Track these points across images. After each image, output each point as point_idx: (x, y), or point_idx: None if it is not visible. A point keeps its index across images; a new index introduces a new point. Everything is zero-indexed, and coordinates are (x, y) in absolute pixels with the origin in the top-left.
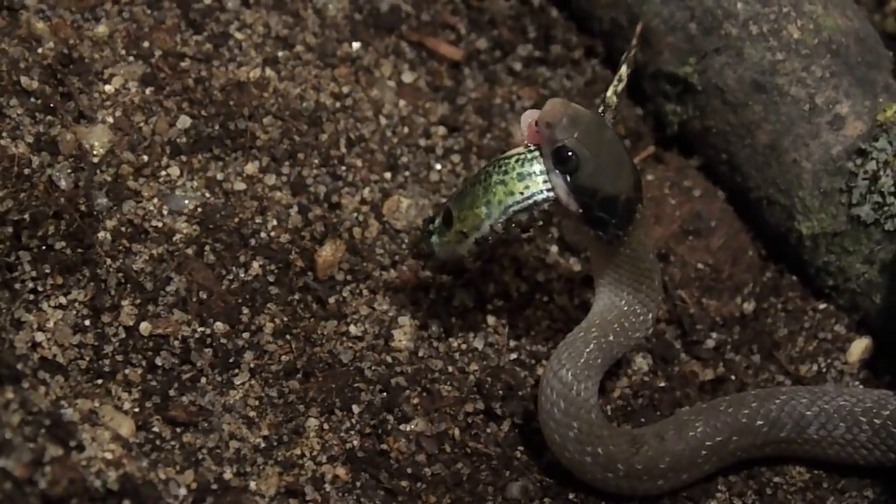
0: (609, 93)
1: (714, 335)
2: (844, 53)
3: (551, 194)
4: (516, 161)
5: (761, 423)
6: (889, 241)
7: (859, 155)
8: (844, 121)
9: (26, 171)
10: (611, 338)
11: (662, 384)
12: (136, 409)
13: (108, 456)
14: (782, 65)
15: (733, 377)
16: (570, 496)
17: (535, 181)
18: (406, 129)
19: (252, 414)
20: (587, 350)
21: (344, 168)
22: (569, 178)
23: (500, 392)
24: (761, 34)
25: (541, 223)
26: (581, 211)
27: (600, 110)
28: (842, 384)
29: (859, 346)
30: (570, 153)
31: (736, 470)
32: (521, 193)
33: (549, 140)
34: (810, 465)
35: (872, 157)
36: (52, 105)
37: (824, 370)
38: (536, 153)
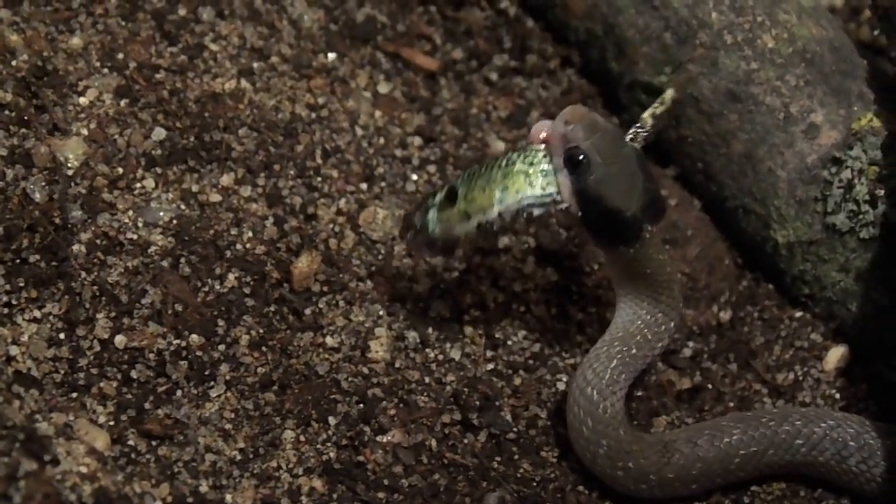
0: (646, 114)
1: (691, 344)
2: (819, 62)
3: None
4: (544, 156)
5: (801, 442)
6: (864, 250)
7: (834, 163)
8: (819, 130)
9: (0, 184)
10: (634, 351)
11: (639, 393)
12: (111, 423)
13: (83, 470)
14: (757, 74)
15: (710, 386)
16: None
17: (556, 181)
18: (382, 140)
19: (228, 426)
20: (611, 366)
21: (320, 179)
22: (575, 180)
23: (477, 403)
24: (736, 43)
25: (553, 221)
26: (580, 214)
27: (634, 127)
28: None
29: (836, 355)
30: (581, 156)
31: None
32: (543, 189)
33: (564, 139)
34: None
35: (847, 165)
36: (25, 118)
37: (801, 378)
38: None
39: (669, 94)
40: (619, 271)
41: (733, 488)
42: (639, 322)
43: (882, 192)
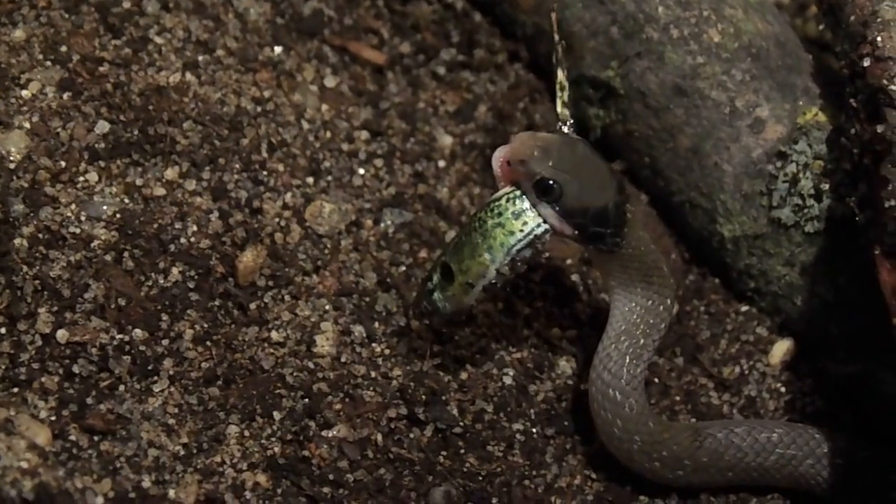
0: (559, 107)
1: None
2: (765, 57)
3: (547, 225)
4: (507, 201)
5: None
6: (809, 244)
7: (779, 158)
8: (765, 124)
9: None
10: (641, 341)
11: (586, 387)
12: (53, 418)
13: (24, 465)
14: (703, 68)
15: (657, 380)
16: (494, 501)
17: (529, 216)
18: (328, 134)
19: (171, 421)
20: (626, 363)
21: (265, 173)
22: (556, 207)
23: (424, 397)
24: (682, 38)
25: (546, 254)
26: (577, 232)
27: (558, 127)
28: None
29: (781, 349)
30: (550, 182)
31: None
32: (521, 231)
33: (527, 175)
34: None
35: (792, 159)
36: None
37: (747, 372)
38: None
39: (561, 75)
40: (610, 266)
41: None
42: (638, 310)
43: (827, 187)
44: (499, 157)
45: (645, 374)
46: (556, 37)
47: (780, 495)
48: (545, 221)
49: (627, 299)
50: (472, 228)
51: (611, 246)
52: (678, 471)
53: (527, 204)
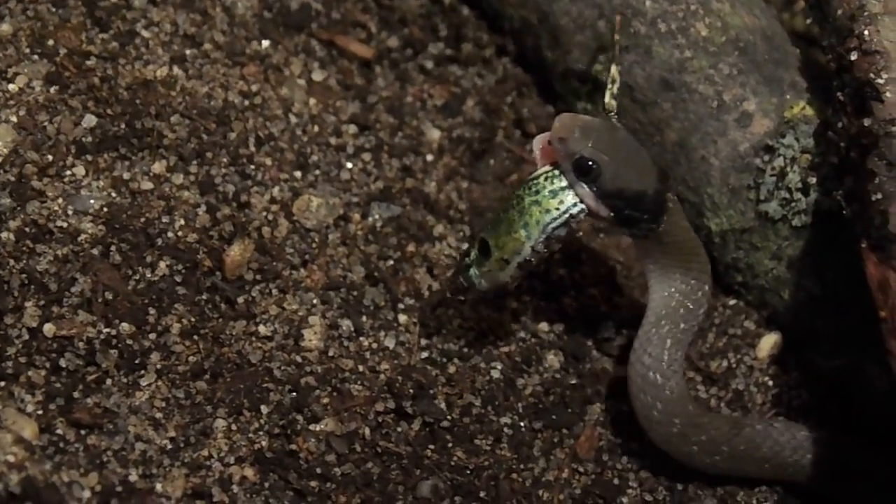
0: (607, 98)
1: (625, 332)
2: (752, 51)
3: (583, 206)
4: (545, 179)
5: None
6: (796, 237)
7: (767, 152)
8: (752, 118)
9: None
10: (682, 325)
11: (574, 381)
12: (40, 412)
13: (11, 459)
14: (690, 62)
15: None
16: (481, 494)
17: (566, 195)
18: (316, 128)
19: (158, 415)
20: (667, 347)
21: (253, 167)
22: (594, 187)
23: (411, 391)
24: (669, 32)
25: (579, 233)
26: (612, 214)
27: (606, 115)
28: None
29: (768, 342)
30: (589, 162)
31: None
32: (557, 209)
33: (566, 154)
34: None
35: (780, 153)
36: None
37: (734, 366)
38: None
39: (614, 70)
40: (650, 250)
41: (666, 475)
42: (676, 295)
43: (814, 180)
44: (539, 141)
45: (685, 356)
46: (617, 37)
47: (768, 489)
48: (581, 201)
49: (666, 284)
50: (511, 205)
51: (645, 231)
52: (715, 456)
53: (564, 183)
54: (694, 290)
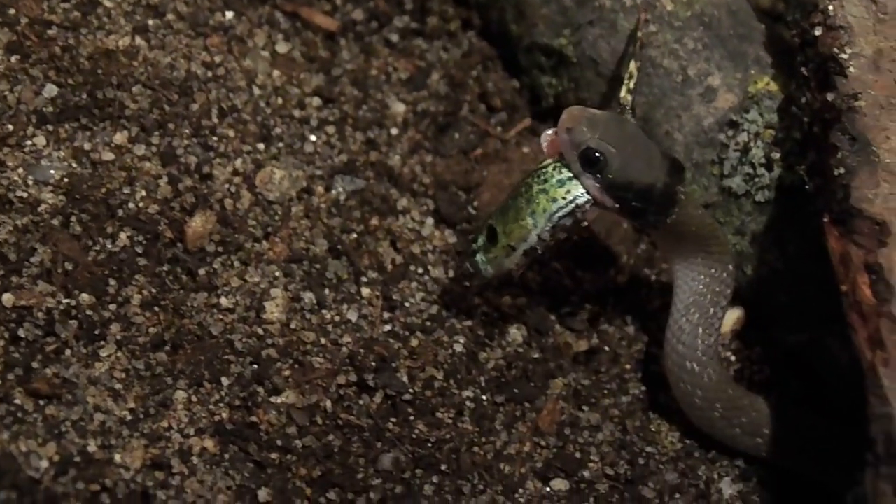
0: (623, 92)
1: (588, 307)
2: (716, 26)
3: (590, 196)
4: (553, 168)
5: None
6: (759, 213)
7: (731, 127)
8: (716, 93)
9: None
10: (711, 311)
11: (536, 355)
12: None
13: None
14: (655, 37)
15: (607, 348)
16: (442, 467)
17: (574, 185)
18: (280, 100)
19: (118, 386)
20: (698, 335)
21: (215, 138)
22: (599, 178)
23: (373, 364)
24: (635, 6)
25: (585, 224)
26: (618, 206)
27: (618, 111)
28: None
29: (731, 317)
30: (596, 153)
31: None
32: (564, 198)
33: (573, 144)
34: (683, 434)
35: (743, 128)
36: None
37: None
38: None
39: (633, 66)
40: (667, 240)
41: (627, 448)
42: (702, 279)
43: (778, 155)
44: (548, 135)
45: (718, 341)
46: (639, 33)
47: (729, 462)
48: (587, 192)
49: (690, 270)
50: (519, 193)
51: (654, 223)
52: (757, 438)
53: (572, 173)
54: (718, 274)
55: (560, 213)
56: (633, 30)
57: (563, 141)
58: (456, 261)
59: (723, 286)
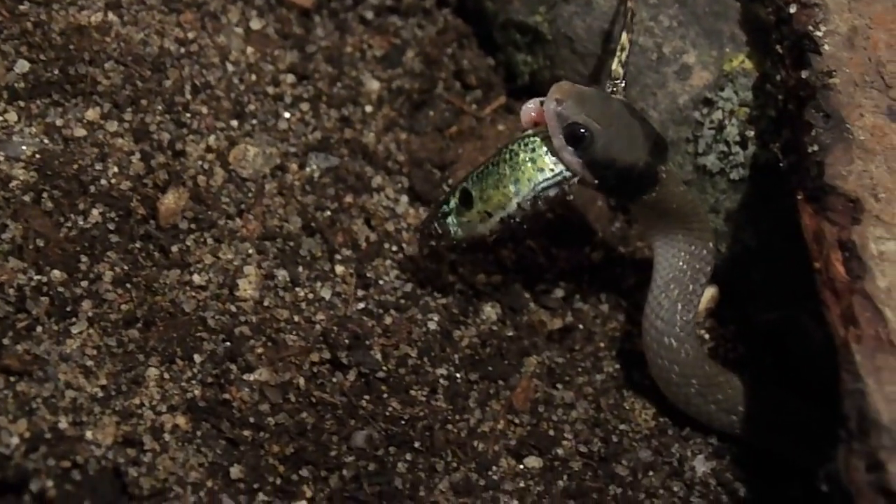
0: (614, 65)
1: (562, 284)
2: (692, 4)
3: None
4: (543, 139)
5: None
6: (734, 191)
7: (705, 104)
8: (691, 71)
9: None
10: (690, 287)
11: (510, 333)
12: None
13: None
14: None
15: (581, 326)
16: (416, 445)
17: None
18: (254, 77)
19: (90, 363)
20: (678, 310)
21: (189, 115)
22: (582, 154)
23: (347, 341)
24: None
25: (570, 197)
26: (597, 181)
27: (609, 83)
28: None
29: (706, 296)
30: (581, 129)
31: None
32: (552, 170)
33: (559, 119)
34: (657, 412)
35: (718, 106)
36: None
37: None
38: None
39: (625, 38)
40: (648, 216)
41: (601, 426)
42: (682, 256)
43: (752, 133)
44: (529, 108)
45: (696, 318)
46: (630, 4)
47: (703, 440)
48: (567, 168)
49: (670, 247)
50: (502, 159)
51: (632, 199)
52: (732, 416)
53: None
54: (698, 250)
55: (546, 184)
56: (623, 1)
57: (550, 113)
58: (420, 221)
59: (703, 263)
